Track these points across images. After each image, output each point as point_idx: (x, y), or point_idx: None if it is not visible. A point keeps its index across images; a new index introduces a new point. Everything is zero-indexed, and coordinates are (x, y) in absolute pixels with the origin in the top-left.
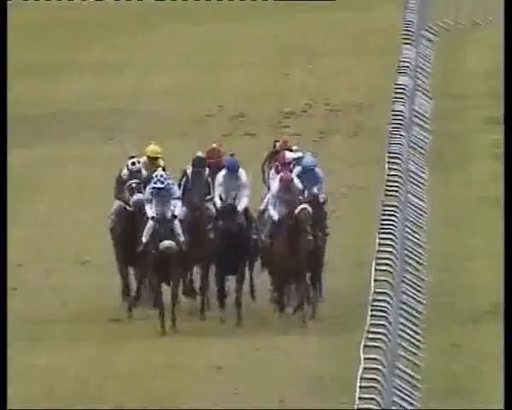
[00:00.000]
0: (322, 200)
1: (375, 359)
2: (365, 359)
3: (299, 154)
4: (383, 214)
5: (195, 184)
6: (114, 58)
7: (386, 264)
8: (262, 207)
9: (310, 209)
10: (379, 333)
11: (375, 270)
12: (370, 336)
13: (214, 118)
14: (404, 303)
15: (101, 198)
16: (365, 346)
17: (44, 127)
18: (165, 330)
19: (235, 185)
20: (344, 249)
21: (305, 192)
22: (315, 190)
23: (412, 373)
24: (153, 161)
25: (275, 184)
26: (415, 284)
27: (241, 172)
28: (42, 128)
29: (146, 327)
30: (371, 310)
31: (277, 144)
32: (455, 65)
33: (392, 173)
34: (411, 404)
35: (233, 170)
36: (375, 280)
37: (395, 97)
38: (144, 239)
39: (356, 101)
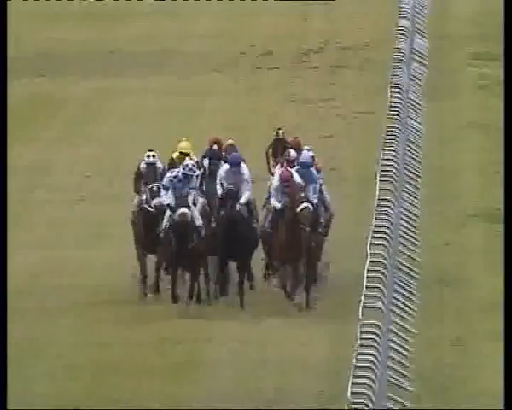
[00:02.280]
0: (315, 203)
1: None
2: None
3: (311, 153)
4: (387, 135)
5: (212, 175)
6: (163, 6)
7: (390, 176)
8: (265, 198)
9: (311, 208)
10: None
11: (381, 179)
12: (375, 234)
13: (247, 55)
14: (404, 208)
15: (153, 122)
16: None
17: (106, 63)
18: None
19: (238, 180)
20: (354, 163)
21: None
22: (310, 189)
23: (410, 267)
24: (184, 157)
25: (275, 180)
26: (413, 193)
27: (244, 167)
28: (104, 64)
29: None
30: (376, 219)
31: (280, 132)
32: (447, 9)
33: (394, 101)
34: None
35: (235, 165)
36: (380, 190)
37: (397, 37)
38: (163, 226)
39: (363, 40)
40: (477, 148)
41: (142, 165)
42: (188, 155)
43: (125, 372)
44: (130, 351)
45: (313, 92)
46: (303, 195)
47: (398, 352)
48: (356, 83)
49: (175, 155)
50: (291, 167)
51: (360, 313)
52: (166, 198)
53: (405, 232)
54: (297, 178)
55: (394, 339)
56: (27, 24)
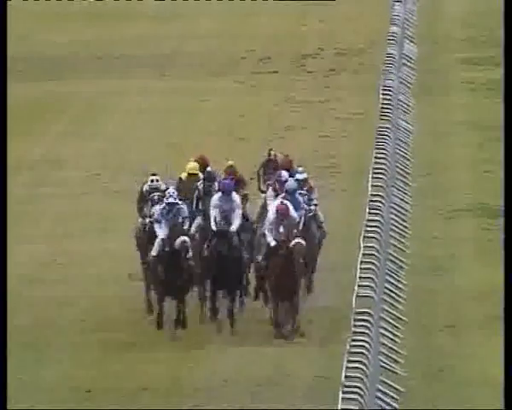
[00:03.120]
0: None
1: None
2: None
3: (304, 175)
4: (378, 133)
5: (208, 195)
6: (165, 6)
7: (381, 172)
8: (261, 230)
9: (304, 243)
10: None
11: (373, 175)
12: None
13: (247, 59)
14: (395, 204)
15: (156, 120)
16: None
17: (111, 65)
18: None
19: (229, 207)
20: (349, 159)
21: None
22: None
23: (401, 258)
24: (192, 177)
25: (271, 213)
26: (403, 188)
27: (235, 195)
28: (109, 65)
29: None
30: (368, 213)
31: (272, 153)
32: (436, 16)
33: (385, 102)
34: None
35: (227, 193)
36: (373, 186)
37: (388, 43)
38: (154, 253)
39: (357, 45)
40: (466, 144)
41: (146, 187)
42: (196, 175)
43: (132, 356)
44: (136, 335)
45: (310, 94)
46: (295, 231)
47: (390, 338)
48: (350, 85)
49: (183, 175)
50: (282, 188)
51: (354, 302)
52: (160, 231)
53: (396, 225)
54: (293, 212)
55: (386, 326)
56: (35, 25)
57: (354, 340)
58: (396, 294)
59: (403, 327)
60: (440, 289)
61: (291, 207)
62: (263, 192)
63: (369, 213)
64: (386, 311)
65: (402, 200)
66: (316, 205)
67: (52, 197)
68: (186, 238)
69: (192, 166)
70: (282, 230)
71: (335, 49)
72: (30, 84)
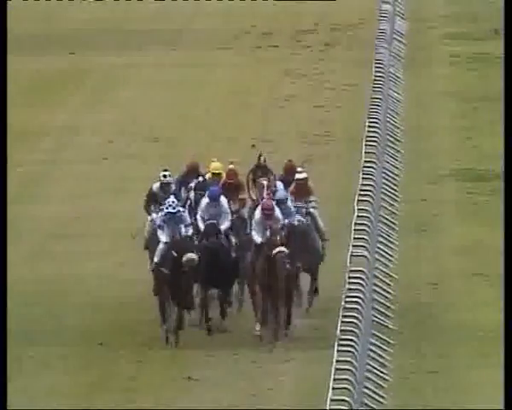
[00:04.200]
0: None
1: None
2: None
3: (305, 174)
4: (371, 104)
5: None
6: None
7: (374, 139)
8: (248, 232)
9: (286, 252)
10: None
11: (366, 142)
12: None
13: (250, 34)
14: (386, 169)
15: (167, 90)
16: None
17: (124, 40)
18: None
19: (217, 212)
20: (343, 127)
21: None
22: (286, 221)
23: (391, 219)
24: (216, 177)
25: (257, 213)
26: (393, 154)
27: (223, 200)
28: (124, 40)
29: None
30: (362, 178)
31: (262, 158)
32: None
33: (377, 74)
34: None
35: (215, 199)
36: (366, 152)
37: (380, 19)
38: (156, 259)
39: (351, 22)
40: (450, 113)
41: (156, 185)
42: (219, 174)
43: (147, 308)
44: (150, 290)
45: (307, 67)
46: (278, 238)
47: (382, 294)
48: (344, 59)
49: (207, 176)
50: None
51: (348, 262)
52: (162, 236)
53: (387, 189)
54: (278, 213)
55: (378, 283)
56: (56, 4)
57: (348, 296)
58: (387, 253)
59: (393, 284)
60: (426, 247)
61: (277, 209)
62: (253, 200)
63: (363, 177)
64: (379, 269)
65: (392, 165)
66: (314, 208)
67: (72, 161)
68: (195, 256)
69: (215, 165)
70: (267, 231)
71: (330, 25)
72: (52, 57)
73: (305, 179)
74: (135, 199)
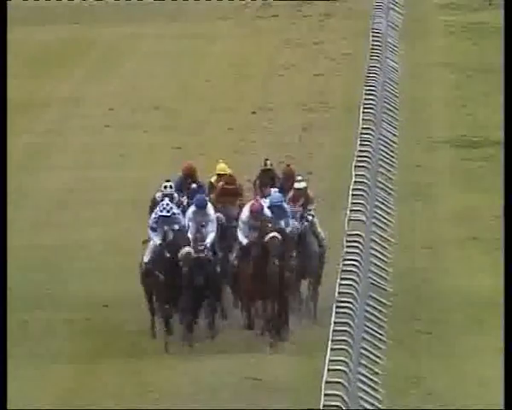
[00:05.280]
0: (290, 232)
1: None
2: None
3: (304, 184)
4: (368, 72)
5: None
6: None
7: (371, 107)
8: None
9: (280, 237)
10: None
11: (363, 110)
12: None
13: (249, 5)
14: (383, 136)
15: (169, 61)
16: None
17: (127, 12)
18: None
19: (204, 220)
20: (341, 96)
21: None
22: (282, 223)
23: (388, 185)
24: (220, 178)
25: (244, 213)
26: (390, 121)
27: (209, 208)
28: (125, 12)
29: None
30: (360, 144)
31: (268, 163)
32: None
33: (374, 44)
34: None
35: (201, 207)
36: (363, 119)
37: None
38: (146, 259)
39: None
40: (445, 82)
41: (158, 194)
42: (225, 175)
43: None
44: None
45: (306, 37)
46: (270, 225)
47: (379, 258)
48: (342, 29)
49: (213, 179)
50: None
51: (346, 225)
52: (155, 238)
53: (384, 155)
54: (267, 212)
55: (375, 247)
56: None
57: (346, 259)
58: (385, 218)
59: (390, 248)
60: (421, 213)
61: (266, 208)
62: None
63: (360, 143)
64: (376, 233)
65: (389, 132)
66: (312, 216)
67: (76, 131)
68: (191, 250)
69: (221, 167)
70: (255, 231)
71: None
72: (56, 27)
73: (305, 189)
74: (137, 167)
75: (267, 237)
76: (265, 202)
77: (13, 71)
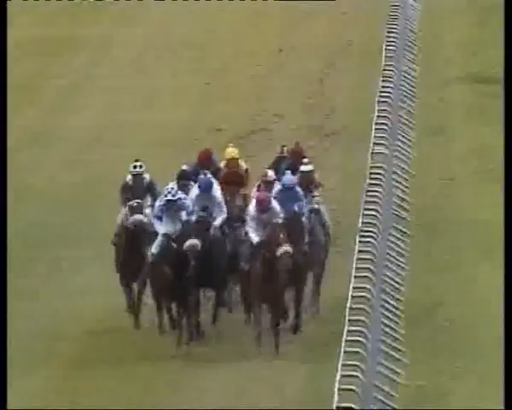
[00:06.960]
0: (303, 217)
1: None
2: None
3: (310, 167)
4: (390, 15)
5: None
6: None
7: (392, 49)
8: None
9: (291, 252)
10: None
11: (385, 48)
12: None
13: None
14: (405, 73)
15: (193, 8)
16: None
17: None
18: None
19: (210, 204)
20: (360, 37)
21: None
22: (295, 207)
23: (410, 120)
24: (230, 162)
25: (251, 206)
26: (412, 59)
27: (215, 190)
28: None
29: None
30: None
31: (285, 149)
32: None
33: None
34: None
35: (206, 190)
36: (386, 55)
37: None
38: (154, 250)
39: None
40: (461, 25)
41: (129, 177)
42: (234, 159)
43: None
44: None
45: None
46: (282, 236)
47: (401, 190)
48: (349, 8)
49: (222, 164)
50: (269, 189)
51: (369, 158)
52: (160, 228)
53: (404, 94)
54: (276, 205)
55: (395, 183)
56: None
57: (368, 190)
58: (407, 151)
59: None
60: (439, 150)
61: (274, 201)
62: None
63: (382, 80)
64: (398, 166)
65: (410, 68)
66: (318, 203)
67: (105, 74)
68: (196, 242)
69: (229, 151)
70: (264, 228)
71: None
72: None
73: (311, 172)
74: (165, 110)
75: (278, 252)
76: (277, 185)
77: (43, 17)
